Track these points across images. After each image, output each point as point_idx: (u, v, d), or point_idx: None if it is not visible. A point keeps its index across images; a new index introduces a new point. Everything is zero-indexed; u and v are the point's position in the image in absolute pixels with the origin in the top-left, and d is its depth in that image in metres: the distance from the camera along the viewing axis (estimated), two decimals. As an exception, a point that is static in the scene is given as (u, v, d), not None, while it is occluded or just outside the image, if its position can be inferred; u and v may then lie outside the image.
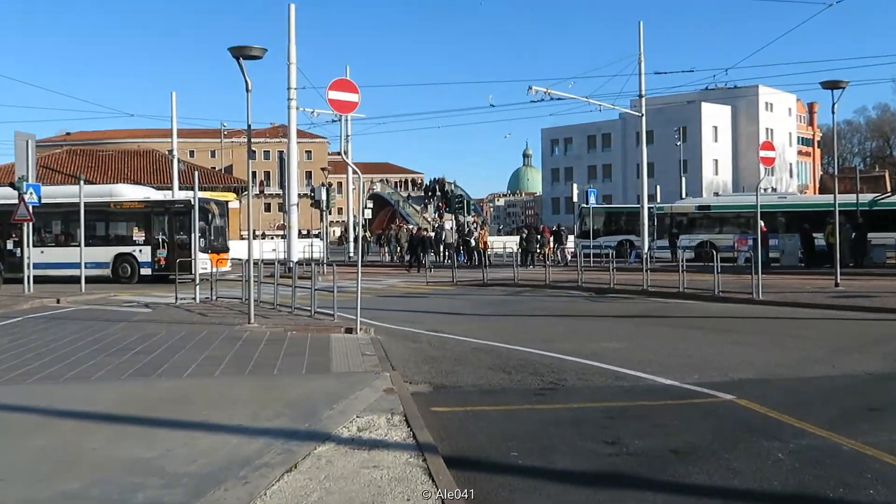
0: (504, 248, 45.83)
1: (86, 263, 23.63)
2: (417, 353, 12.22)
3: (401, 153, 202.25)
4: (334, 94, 13.83)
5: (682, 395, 9.01)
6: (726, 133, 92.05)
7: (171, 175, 39.89)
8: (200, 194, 22.44)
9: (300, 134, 37.68)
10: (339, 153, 39.48)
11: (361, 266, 15.18)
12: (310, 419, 7.34)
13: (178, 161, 41.16)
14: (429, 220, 52.20)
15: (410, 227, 49.74)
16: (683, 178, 58.58)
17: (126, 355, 11.32)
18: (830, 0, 30.09)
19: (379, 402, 8.12)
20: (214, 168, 75.01)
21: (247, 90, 14.69)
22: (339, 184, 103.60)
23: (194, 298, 20.10)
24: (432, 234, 40.75)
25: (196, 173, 21.25)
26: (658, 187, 51.05)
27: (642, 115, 37.91)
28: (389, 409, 7.76)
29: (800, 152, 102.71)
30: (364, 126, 53.48)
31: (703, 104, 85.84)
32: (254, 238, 27.53)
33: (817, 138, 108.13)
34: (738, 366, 10.75)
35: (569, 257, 40.25)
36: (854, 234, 29.72)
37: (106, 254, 27.82)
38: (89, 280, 24.27)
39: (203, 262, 24.08)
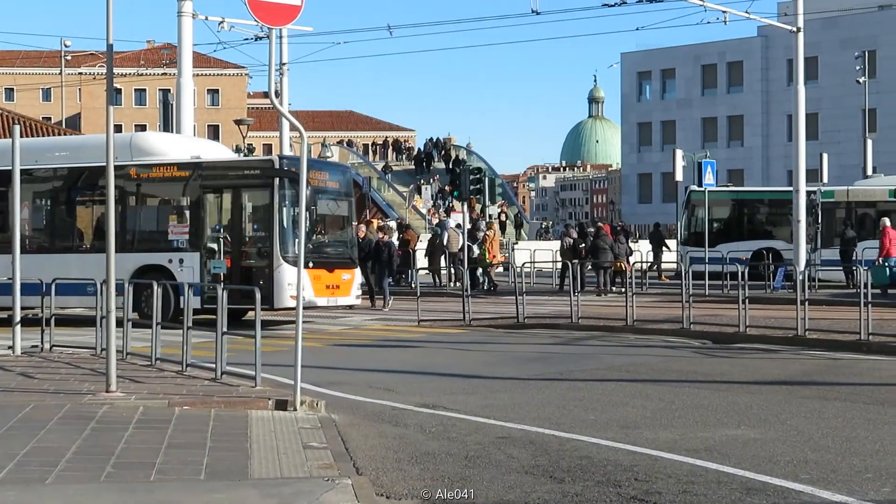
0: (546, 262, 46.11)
1: (84, 286, 21.96)
2: (401, 446, 12.22)
3: (377, 98, 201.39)
4: (259, -6, 13.89)
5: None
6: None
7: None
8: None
9: (200, 60, 37.72)
10: (266, 94, 39.31)
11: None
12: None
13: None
14: (422, 211, 52.20)
15: (385, 223, 49.79)
16: (870, 142, 58.50)
17: None
18: None
19: (333, 533, 8.13)
20: (49, 119, 75.27)
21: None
22: (268, 146, 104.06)
23: (11, 348, 20.09)
24: (396, 241, 41.10)
25: (17, 128, 21.25)
26: (825, 157, 50.99)
27: (799, 29, 37.93)
28: (351, 547, 7.79)
29: None
30: (314, 46, 53.47)
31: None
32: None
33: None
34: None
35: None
36: None
37: (121, 267, 22.20)
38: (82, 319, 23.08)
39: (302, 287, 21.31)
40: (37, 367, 18.05)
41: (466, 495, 9.95)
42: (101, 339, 17.70)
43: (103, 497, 9.29)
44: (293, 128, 16.03)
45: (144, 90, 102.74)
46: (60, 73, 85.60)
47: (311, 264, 21.20)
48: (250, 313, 22.39)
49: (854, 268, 33.40)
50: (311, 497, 9.10)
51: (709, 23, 39.58)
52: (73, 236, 26.67)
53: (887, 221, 33.78)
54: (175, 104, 29.64)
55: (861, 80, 61.67)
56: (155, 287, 19.29)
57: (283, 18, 14.69)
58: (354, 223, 24.02)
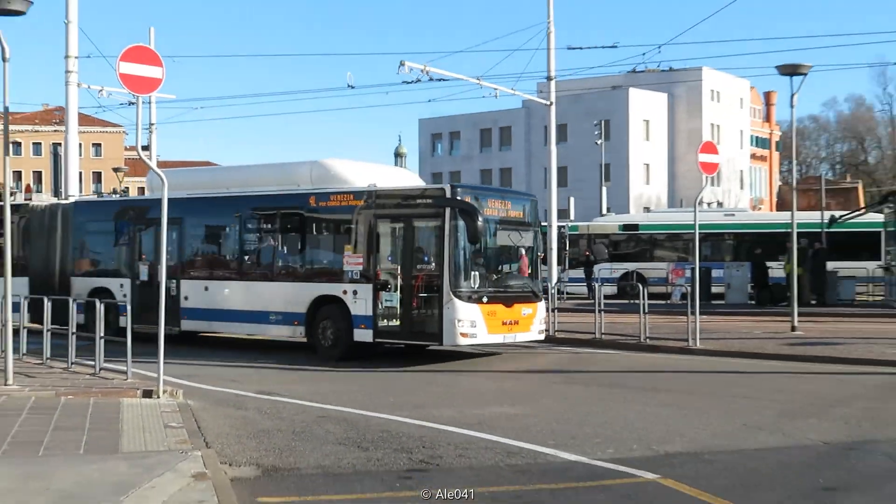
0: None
1: (267, 314, 18.84)
2: (243, 424, 12.13)
3: (230, 149, 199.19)
4: (128, 68, 13.62)
5: (591, 476, 9.28)
6: (661, 129, 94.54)
7: None
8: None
9: (85, 120, 36.87)
10: (143, 147, 38.39)
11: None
12: (85, 520, 7.19)
13: None
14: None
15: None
16: (605, 188, 60.28)
17: None
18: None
19: (185, 492, 8.02)
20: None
21: (2, 59, 14.28)
22: (141, 189, 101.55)
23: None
24: None
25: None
26: (572, 200, 52.44)
27: (551, 103, 38.71)
28: (199, 502, 7.70)
29: (753, 156, 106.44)
30: (176, 112, 52.94)
31: (632, 91, 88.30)
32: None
33: (775, 138, 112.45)
34: (666, 436, 11.19)
35: None
36: (813, 263, 31.07)
37: (297, 298, 18.91)
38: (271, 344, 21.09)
39: (472, 323, 16.94)
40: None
41: (292, 462, 9.95)
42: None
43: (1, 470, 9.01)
44: (157, 175, 15.66)
45: (41, 143, 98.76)
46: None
47: (485, 299, 16.67)
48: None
49: (593, 284, 34.30)
50: (168, 465, 8.97)
51: (484, 97, 40.09)
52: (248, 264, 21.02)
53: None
54: (64, 156, 28.54)
55: (598, 142, 63.57)
56: (98, 304, 17.07)
57: (147, 88, 14.45)
58: (540, 254, 19.56)
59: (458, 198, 15.99)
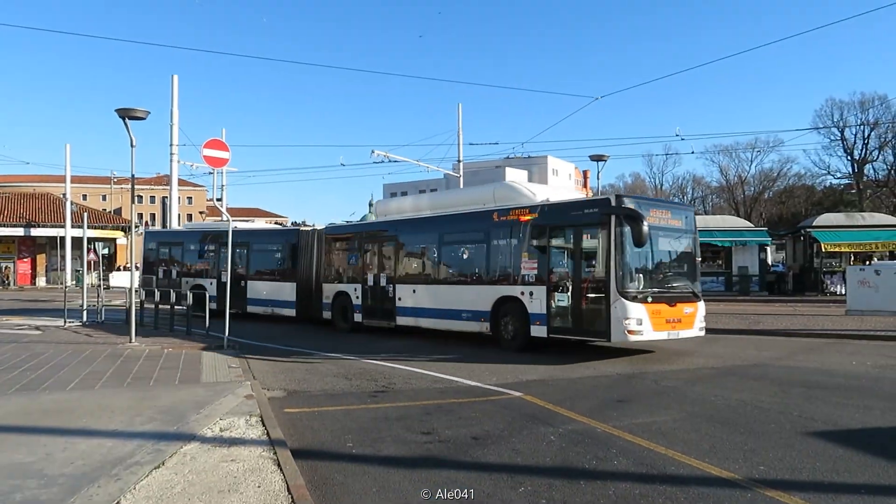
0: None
1: (460, 312, 15.05)
2: (275, 365, 11.89)
3: (269, 200, 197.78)
4: (208, 152, 13.41)
5: (483, 394, 9.27)
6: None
7: (65, 216, 36.82)
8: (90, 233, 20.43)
9: (181, 182, 36.02)
10: (218, 199, 37.63)
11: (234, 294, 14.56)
12: (178, 423, 6.98)
13: (71, 203, 38.10)
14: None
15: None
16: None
17: (13, 373, 10.27)
18: (596, 95, 32.40)
19: (240, 407, 7.84)
20: (105, 210, 69.85)
21: (131, 146, 13.90)
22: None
23: (82, 321, 18.60)
24: None
25: (85, 214, 19.86)
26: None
27: (460, 175, 39.03)
28: (248, 412, 7.51)
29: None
30: (237, 178, 52.37)
31: (507, 168, 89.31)
32: (137, 270, 25.95)
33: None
34: (524, 370, 11.19)
35: None
36: None
37: (483, 298, 14.65)
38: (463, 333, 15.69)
39: (638, 321, 12.14)
40: (94, 330, 16.69)
41: (305, 387, 9.76)
42: (127, 316, 16.34)
43: (122, 394, 8.71)
44: (225, 216, 15.30)
45: (154, 196, 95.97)
46: (110, 187, 79.56)
47: (649, 299, 12.28)
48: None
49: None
50: (230, 390, 8.75)
51: (421, 171, 40.11)
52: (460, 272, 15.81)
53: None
54: (168, 204, 27.80)
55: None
56: (189, 294, 17.84)
57: (220, 164, 14.20)
58: (698, 259, 14.43)
59: (623, 206, 12.32)
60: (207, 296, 20.09)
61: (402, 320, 16.42)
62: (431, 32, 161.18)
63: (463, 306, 14.94)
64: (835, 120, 59.98)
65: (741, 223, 37.18)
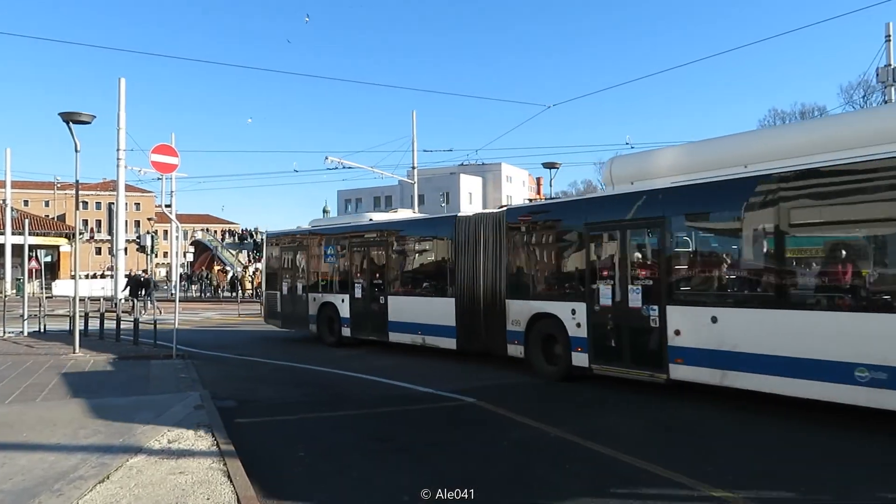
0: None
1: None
2: (226, 374, 11.67)
3: (225, 206, 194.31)
4: (156, 157, 13.09)
5: (437, 400, 9.28)
6: (478, 198, 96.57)
7: (4, 222, 35.50)
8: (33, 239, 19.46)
9: (129, 188, 35.20)
10: (167, 205, 36.68)
11: (181, 301, 14.30)
12: (124, 435, 6.80)
13: (12, 209, 36.79)
14: (243, 262, 49.96)
15: (223, 268, 47.53)
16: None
17: (-52, 385, 9.87)
18: (547, 104, 32.78)
19: (189, 417, 7.68)
20: (48, 216, 67.58)
21: (76, 150, 13.53)
22: (166, 231, 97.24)
23: (22, 331, 17.96)
24: (150, 276, 31.20)
25: (26, 220, 19.19)
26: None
27: (415, 182, 39.03)
28: (197, 423, 7.36)
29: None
30: (190, 183, 51.09)
31: (461, 175, 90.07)
32: (84, 278, 25.20)
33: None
34: (478, 377, 11.22)
35: None
36: None
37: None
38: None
39: None
40: (36, 341, 16.10)
41: (257, 396, 9.62)
42: (71, 326, 15.80)
43: (66, 406, 8.45)
44: (175, 223, 14.95)
45: (100, 202, 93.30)
46: (54, 193, 77.12)
47: None
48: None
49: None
50: (179, 400, 8.57)
51: (376, 178, 39.89)
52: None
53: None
54: (115, 211, 26.97)
55: (443, 206, 64.20)
56: (315, 315, 16.14)
57: (168, 170, 13.81)
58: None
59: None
60: (341, 317, 15.38)
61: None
62: (386, 38, 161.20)
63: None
64: (778, 129, 61.95)
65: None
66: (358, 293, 14.98)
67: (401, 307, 13.82)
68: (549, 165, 25.63)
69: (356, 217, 17.66)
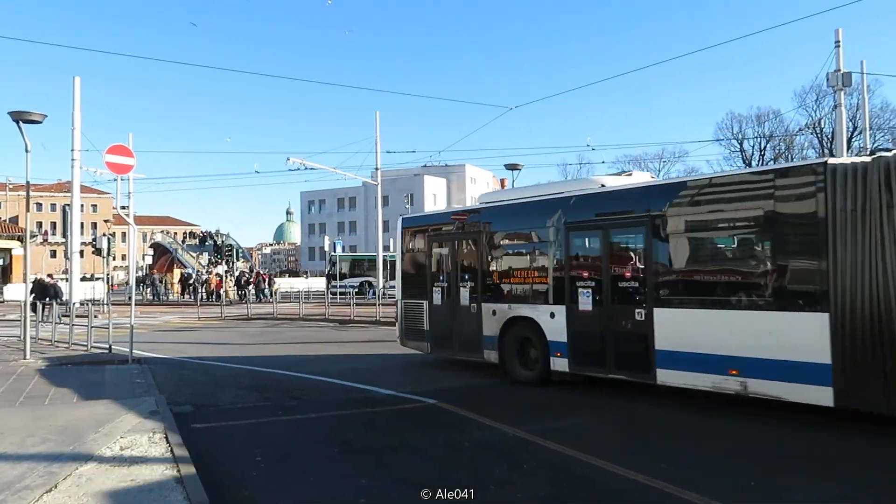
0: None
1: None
2: (183, 379, 11.45)
3: (183, 208, 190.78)
4: (111, 158, 12.77)
5: (398, 402, 9.26)
6: (443, 199, 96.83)
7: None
8: None
9: (85, 189, 34.35)
10: (123, 207, 35.89)
11: (137, 305, 13.99)
12: (75, 443, 6.63)
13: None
14: (203, 265, 49.16)
15: (184, 270, 46.68)
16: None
17: None
18: (510, 105, 32.92)
19: (143, 423, 7.51)
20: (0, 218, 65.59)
21: (26, 150, 13.18)
22: (124, 234, 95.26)
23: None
24: (55, 282, 26.89)
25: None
26: (392, 240, 52.53)
27: (378, 183, 38.96)
28: (152, 429, 7.21)
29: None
30: (148, 185, 50.11)
31: (426, 177, 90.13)
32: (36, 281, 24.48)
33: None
34: (441, 378, 11.19)
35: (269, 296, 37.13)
36: None
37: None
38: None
39: None
40: (-16, 348, 15.59)
41: (215, 401, 9.47)
42: (21, 331, 15.32)
43: (14, 414, 8.21)
44: (132, 225, 14.60)
45: (55, 203, 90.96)
46: (6, 194, 74.79)
47: None
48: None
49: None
50: (133, 406, 8.38)
51: (339, 179, 39.72)
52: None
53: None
54: (69, 212, 26.31)
55: (407, 207, 63.69)
56: (498, 338, 10.68)
57: (124, 171, 13.56)
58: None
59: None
60: (548, 340, 9.98)
61: None
62: (349, 38, 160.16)
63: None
64: (734, 132, 63.41)
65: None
66: (585, 302, 9.47)
67: (684, 326, 8.41)
68: (512, 167, 25.83)
69: (566, 185, 11.15)
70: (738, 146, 63.80)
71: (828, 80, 20.50)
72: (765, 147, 63.06)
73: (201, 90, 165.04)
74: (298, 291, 34.23)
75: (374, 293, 37.56)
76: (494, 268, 11.16)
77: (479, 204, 11.96)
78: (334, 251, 39.84)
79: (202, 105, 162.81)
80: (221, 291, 37.27)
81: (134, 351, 13.19)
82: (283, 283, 49.21)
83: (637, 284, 8.97)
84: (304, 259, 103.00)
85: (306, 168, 35.23)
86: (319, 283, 48.95)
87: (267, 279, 41.84)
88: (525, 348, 10.53)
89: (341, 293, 35.67)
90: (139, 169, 14.02)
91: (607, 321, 9.24)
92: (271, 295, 35.95)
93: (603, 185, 10.03)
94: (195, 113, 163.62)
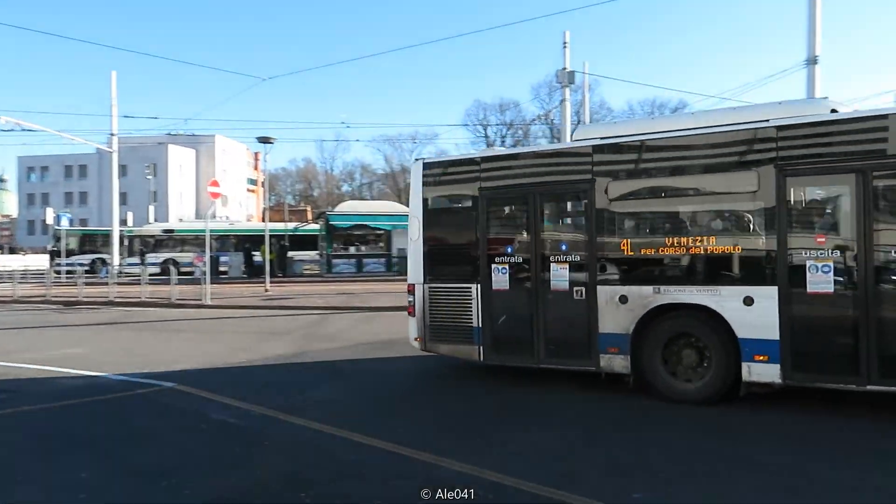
0: None
1: None
2: None
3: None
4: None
5: (132, 388, 8.62)
6: (191, 171, 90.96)
7: None
8: None
9: None
10: None
11: None
12: None
13: None
14: None
15: None
16: (153, 207, 55.38)
17: None
18: (263, 76, 31.98)
19: None
20: None
21: None
22: None
23: None
24: None
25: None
26: (130, 214, 48.22)
27: (114, 151, 35.40)
28: None
29: (248, 189, 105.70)
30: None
31: (171, 146, 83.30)
32: None
33: (261, 179, 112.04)
34: (181, 359, 10.64)
35: None
36: (280, 252, 32.07)
37: None
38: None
39: None
40: None
41: None
42: None
43: None
44: None
45: None
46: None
47: None
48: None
49: (144, 266, 31.22)
50: None
51: (68, 144, 35.39)
52: None
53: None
54: None
55: (149, 177, 59.35)
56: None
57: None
58: None
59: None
60: (738, 338, 6.94)
61: None
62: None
63: None
64: (480, 119, 68.28)
65: (402, 208, 40.23)
66: (816, 282, 6.58)
67: None
68: (265, 140, 24.87)
69: (749, 111, 7.40)
70: (484, 131, 68.80)
71: (557, 76, 22.84)
72: (506, 134, 68.77)
73: None
74: (13, 271, 29.94)
75: (107, 272, 34.28)
76: (622, 234, 7.74)
77: (583, 140, 8.20)
78: (58, 225, 35.46)
79: None
80: None
81: None
82: (-6, 261, 42.81)
83: None
84: (21, 234, 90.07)
85: (23, 129, 30.78)
86: (42, 262, 43.28)
87: None
88: (674, 351, 7.43)
89: (68, 272, 31.97)
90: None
91: (863, 310, 6.34)
92: None
93: (835, 111, 6.88)
94: None
